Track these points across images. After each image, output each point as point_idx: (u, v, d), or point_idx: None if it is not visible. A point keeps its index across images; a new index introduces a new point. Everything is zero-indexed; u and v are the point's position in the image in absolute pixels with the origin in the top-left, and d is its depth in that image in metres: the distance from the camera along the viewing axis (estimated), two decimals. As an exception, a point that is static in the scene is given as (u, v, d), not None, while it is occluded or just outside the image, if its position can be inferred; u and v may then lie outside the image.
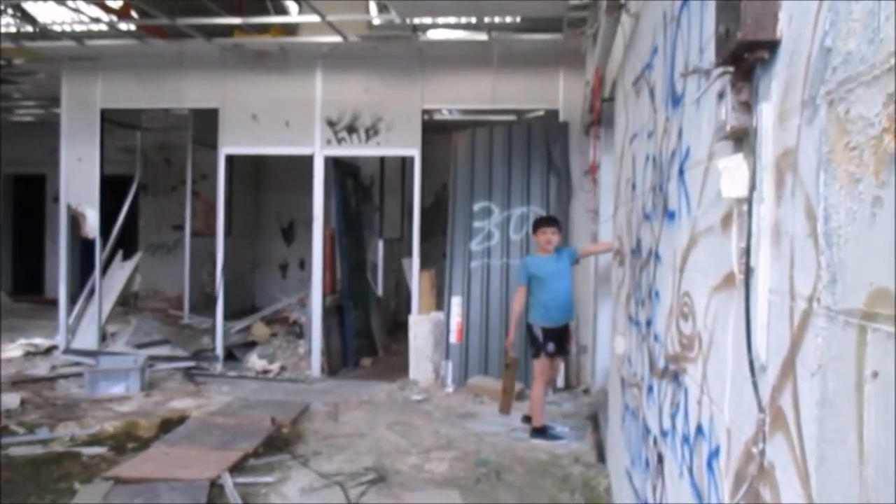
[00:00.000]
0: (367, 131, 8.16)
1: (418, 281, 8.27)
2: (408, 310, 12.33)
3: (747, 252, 1.37)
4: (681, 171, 2.29)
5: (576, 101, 7.75)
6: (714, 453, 1.73)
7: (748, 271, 1.38)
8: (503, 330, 7.81)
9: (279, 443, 5.72)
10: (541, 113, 8.57)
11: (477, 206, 8.05)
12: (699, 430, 1.92)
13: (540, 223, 6.30)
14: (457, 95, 8.16)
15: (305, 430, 6.14)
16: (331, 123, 8.19)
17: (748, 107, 1.40)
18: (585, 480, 5.05)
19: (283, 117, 8.23)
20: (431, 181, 12.59)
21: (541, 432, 6.00)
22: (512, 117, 9.34)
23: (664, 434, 2.53)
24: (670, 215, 2.51)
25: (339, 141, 8.20)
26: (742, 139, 1.46)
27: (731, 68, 1.43)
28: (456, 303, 7.99)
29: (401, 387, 7.79)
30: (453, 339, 7.95)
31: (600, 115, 6.68)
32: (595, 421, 6.40)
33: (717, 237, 1.77)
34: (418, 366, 8.04)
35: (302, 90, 8.19)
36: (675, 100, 2.40)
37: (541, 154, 7.91)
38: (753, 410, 1.38)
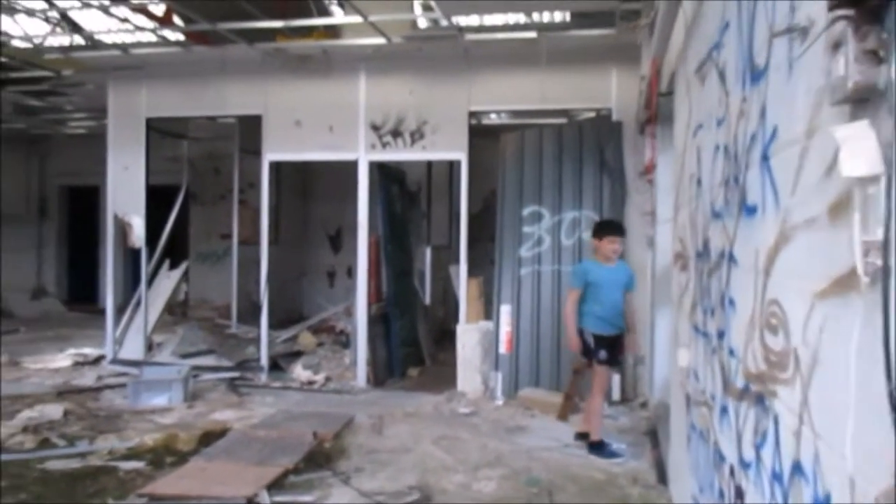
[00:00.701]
0: (412, 135, 7.92)
1: (466, 289, 7.97)
2: (456, 318, 12.08)
3: (884, 246, 1.04)
4: (764, 157, 1.94)
5: (629, 99, 7.37)
6: (823, 502, 1.38)
7: (885, 272, 1.05)
8: (555, 339, 7.46)
9: (320, 458, 5.48)
10: (591, 114, 8.20)
11: (526, 211, 7.72)
12: (797, 468, 1.58)
13: (607, 230, 5.90)
14: (504, 96, 7.85)
15: (348, 444, 5.89)
16: (375, 127, 7.97)
17: (877, 57, 1.07)
18: (645, 503, 4.67)
19: (326, 122, 8.05)
20: (479, 187, 12.30)
21: (598, 447, 5.63)
22: (561, 119, 8.99)
23: (745, 465, 2.18)
24: (749, 210, 2.17)
25: (384, 145, 7.97)
26: (866, 101, 1.13)
27: (850, 11, 1.10)
28: (505, 311, 7.67)
29: (448, 399, 7.49)
30: (503, 349, 7.62)
31: (657, 112, 6.30)
32: (654, 437, 5.99)
33: (822, 231, 1.43)
34: (466, 377, 7.73)
35: (345, 94, 8.00)
36: (756, 75, 2.06)
37: (593, 155, 7.54)
38: (890, 457, 1.04)
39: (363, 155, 8.01)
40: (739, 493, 2.28)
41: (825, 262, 1.43)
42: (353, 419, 6.55)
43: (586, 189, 7.56)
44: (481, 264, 11.59)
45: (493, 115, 9.43)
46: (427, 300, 10.46)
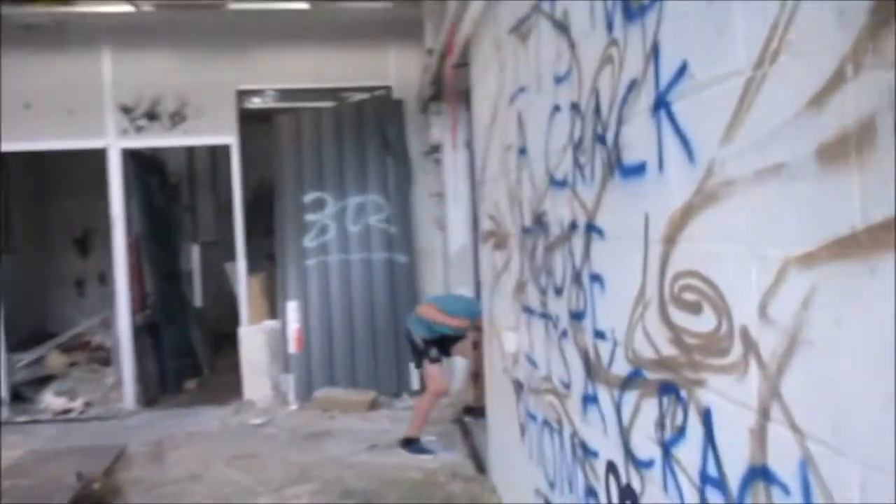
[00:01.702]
0: (171, 118, 6.98)
1: (246, 287, 7.23)
2: (232, 320, 11.16)
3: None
4: (659, 105, 1.64)
5: (410, 76, 7.08)
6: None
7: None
8: (348, 334, 7.03)
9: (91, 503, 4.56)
10: (367, 95, 7.78)
11: (308, 198, 7.15)
12: (761, 473, 1.28)
13: None
14: (277, 74, 7.18)
15: (123, 480, 4.99)
16: (126, 110, 6.92)
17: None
18: (472, 498, 4.41)
19: (64, 105, 6.82)
20: (247, 176, 11.44)
21: (411, 444, 5.29)
22: (337, 101, 8.47)
23: (641, 463, 1.90)
24: (629, 171, 1.88)
25: (138, 130, 6.94)
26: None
27: None
28: (292, 308, 7.07)
29: (235, 410, 6.75)
30: (292, 348, 7.03)
31: (440, 86, 6.06)
32: (463, 426, 5.79)
33: (798, 181, 1.13)
34: (254, 383, 7.03)
35: (86, 71, 6.83)
36: (635, 11, 1.75)
37: (375, 136, 7.16)
38: None
39: (114, 142, 6.91)
40: (629, 494, 2.01)
41: (806, 220, 1.13)
42: (124, 450, 5.58)
43: (371, 172, 7.16)
44: (256, 259, 10.76)
45: (256, 100, 8.61)
46: (198, 302, 9.48)
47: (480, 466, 4.87)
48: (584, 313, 2.36)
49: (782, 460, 1.23)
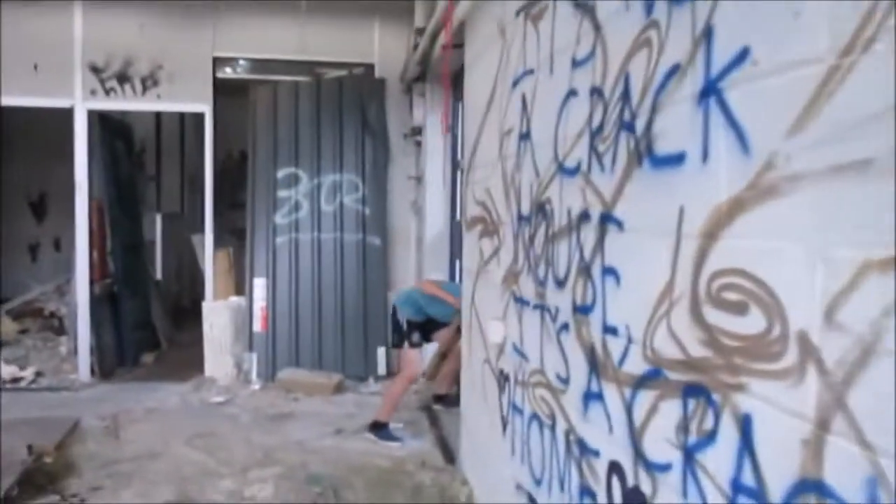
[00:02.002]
0: (143, 81, 6.70)
1: (213, 261, 7.02)
2: (192, 294, 10.89)
3: None
4: (710, 92, 1.55)
5: (394, 55, 6.92)
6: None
7: None
8: (316, 314, 6.87)
9: (42, 478, 4.35)
10: (346, 72, 7.58)
11: (281, 174, 6.96)
12: (814, 486, 1.21)
13: None
14: (257, 43, 6.94)
15: (77, 455, 4.78)
16: (95, 70, 6.62)
17: None
18: (441, 489, 4.32)
19: (29, 60, 6.50)
20: (214, 150, 11.14)
21: (379, 429, 5.17)
22: (312, 77, 8.24)
23: (653, 466, 1.82)
24: (661, 161, 1.78)
25: (108, 92, 6.65)
26: None
27: None
28: (259, 285, 6.89)
29: (195, 387, 6.55)
30: (257, 327, 6.85)
31: (427, 67, 5.93)
32: (431, 414, 5.70)
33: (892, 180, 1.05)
34: (216, 360, 6.84)
35: (55, 26, 6.51)
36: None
37: (354, 114, 6.99)
38: None
39: (80, 102, 6.61)
40: (636, 495, 1.93)
41: (891, 221, 1.05)
42: (78, 423, 5.37)
43: (347, 150, 6.99)
44: (220, 234, 10.50)
45: (228, 69, 8.33)
46: (158, 275, 9.21)
47: (450, 456, 4.79)
48: (591, 307, 2.28)
49: (844, 475, 1.16)
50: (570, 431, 2.49)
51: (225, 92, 7.06)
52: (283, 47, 6.90)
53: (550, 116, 2.68)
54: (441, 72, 6.02)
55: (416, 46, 5.77)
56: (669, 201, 1.75)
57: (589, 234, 2.31)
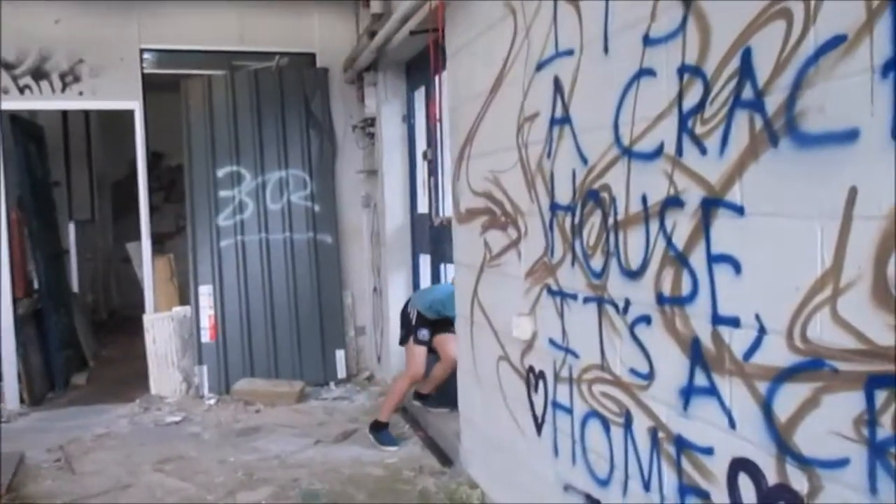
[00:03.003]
0: (63, 77, 6.10)
1: (152, 269, 6.51)
2: (108, 306, 10.17)
3: None
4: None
5: (335, 44, 6.62)
6: None
7: None
8: (269, 319, 6.51)
9: (2, 526, 3.88)
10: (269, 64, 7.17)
11: (222, 172, 6.53)
12: None
13: None
14: (185, 34, 6.45)
15: (35, 496, 4.30)
16: (8, 66, 5.97)
17: None
18: (449, 494, 4.14)
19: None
20: (123, 148, 10.45)
21: (378, 429, 4.92)
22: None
23: (811, 461, 1.73)
24: (820, 139, 1.67)
25: (22, 90, 6.02)
26: None
27: None
28: (205, 293, 6.45)
29: (143, 407, 6.07)
30: (206, 337, 6.42)
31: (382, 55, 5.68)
32: (409, 415, 5.48)
33: None
34: (162, 376, 6.37)
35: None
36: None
37: (297, 106, 6.64)
38: None
39: (-9, 102, 5.96)
40: (781, 494, 1.83)
41: None
42: (23, 458, 4.85)
43: (292, 145, 6.64)
44: (132, 240, 9.83)
45: (147, 56, 7.75)
46: (75, 287, 8.52)
47: (445, 459, 4.61)
48: (690, 298, 2.16)
49: None
50: (657, 428, 2.37)
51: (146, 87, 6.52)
52: (223, 37, 6.45)
53: (607, 99, 2.54)
54: (399, 59, 5.81)
55: (372, 34, 5.50)
56: (830, 182, 1.64)
57: (682, 221, 2.18)
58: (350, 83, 6.59)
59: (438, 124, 4.53)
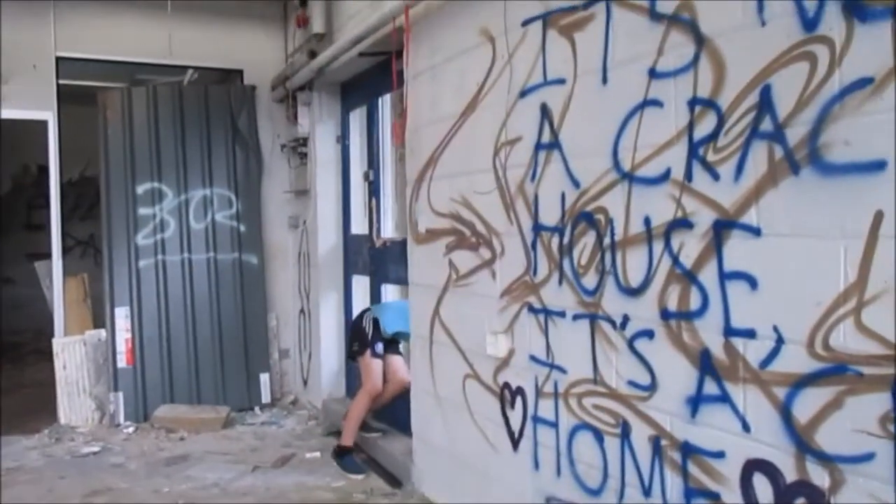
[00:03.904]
0: (-32, 84, 5.69)
1: (63, 290, 6.12)
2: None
3: None
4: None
5: (263, 62, 6.54)
6: None
7: None
8: (191, 343, 6.28)
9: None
10: (180, 78, 6.99)
11: (142, 189, 6.26)
12: None
13: None
14: (104, 44, 6.16)
15: (-47, 536, 3.94)
16: None
17: None
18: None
19: None
20: (8, 162, 9.81)
21: (343, 456, 4.81)
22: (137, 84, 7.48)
23: (832, 458, 1.92)
24: (844, 169, 1.88)
25: (-79, 96, 5.56)
26: None
27: None
28: (122, 315, 6.13)
29: (54, 437, 5.68)
30: (122, 362, 6.09)
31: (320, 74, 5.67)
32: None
33: None
34: (73, 404, 5.98)
35: None
36: (868, 12, 1.78)
37: (223, 123, 6.48)
38: None
39: None
40: (802, 491, 2.01)
41: None
42: (-72, 497, 4.43)
43: (217, 163, 6.47)
44: (14, 259, 9.20)
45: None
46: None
47: (394, 480, 4.60)
48: (699, 312, 2.33)
49: None
50: (660, 436, 2.52)
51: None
52: (149, 49, 6.19)
53: (604, 126, 2.70)
54: (335, 80, 5.82)
55: (312, 53, 5.49)
56: (855, 206, 1.85)
57: (690, 241, 2.36)
58: (279, 101, 6.51)
59: (398, 145, 4.55)
